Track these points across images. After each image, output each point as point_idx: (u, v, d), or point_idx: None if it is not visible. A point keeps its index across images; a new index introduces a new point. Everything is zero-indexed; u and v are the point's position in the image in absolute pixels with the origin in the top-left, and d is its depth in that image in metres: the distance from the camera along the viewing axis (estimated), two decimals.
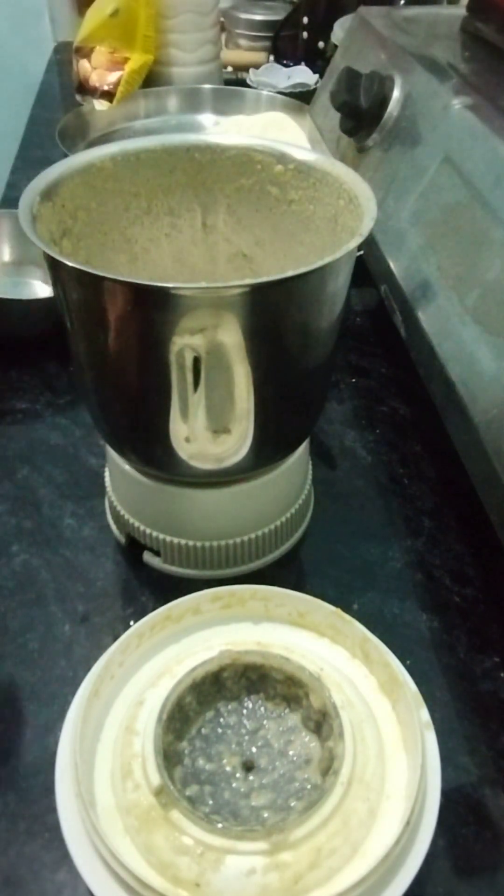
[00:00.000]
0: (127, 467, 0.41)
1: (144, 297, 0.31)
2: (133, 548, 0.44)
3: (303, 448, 0.43)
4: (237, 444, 0.37)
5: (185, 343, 0.32)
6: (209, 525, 0.42)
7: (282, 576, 0.45)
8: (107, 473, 0.46)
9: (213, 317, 0.31)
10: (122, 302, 0.32)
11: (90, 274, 0.31)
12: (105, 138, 0.91)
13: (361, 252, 0.58)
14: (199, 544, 0.42)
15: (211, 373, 0.33)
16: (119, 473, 0.42)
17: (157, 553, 0.43)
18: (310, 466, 0.47)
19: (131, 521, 0.43)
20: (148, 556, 0.44)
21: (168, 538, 0.42)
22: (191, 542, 0.42)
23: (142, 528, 0.43)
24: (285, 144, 0.40)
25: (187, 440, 0.36)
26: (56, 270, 0.34)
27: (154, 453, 0.39)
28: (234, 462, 0.38)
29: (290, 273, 0.30)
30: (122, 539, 0.45)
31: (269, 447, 0.39)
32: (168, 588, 0.43)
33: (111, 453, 0.42)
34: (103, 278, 0.31)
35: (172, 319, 0.31)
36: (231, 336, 0.32)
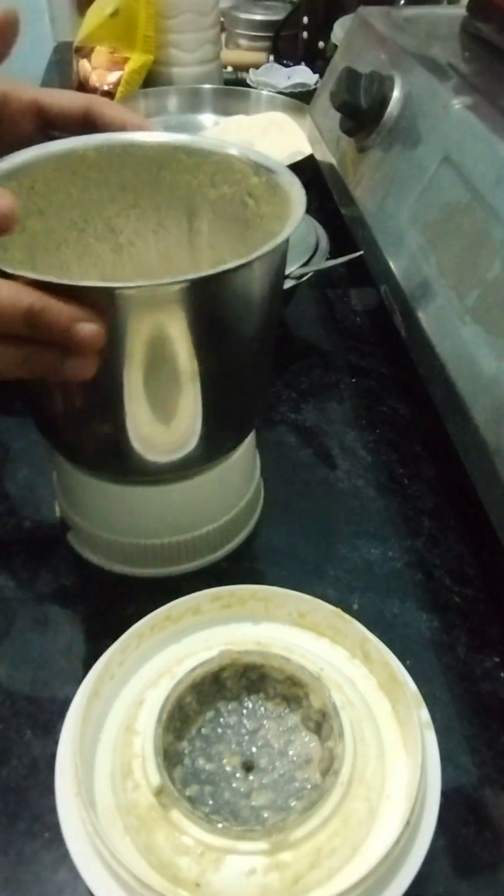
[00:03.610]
0: (80, 475, 0.41)
1: (90, 298, 0.30)
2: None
3: (249, 440, 0.44)
4: (187, 434, 0.37)
5: (133, 340, 0.32)
6: (163, 522, 0.42)
7: (279, 576, 0.45)
8: (55, 479, 0.45)
9: (158, 313, 0.31)
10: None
11: (36, 280, 0.29)
12: None
13: (361, 252, 0.58)
14: (155, 542, 0.42)
15: (159, 367, 0.34)
16: (69, 479, 0.42)
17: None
18: (257, 458, 0.47)
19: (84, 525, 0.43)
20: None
21: (123, 539, 0.42)
22: (147, 541, 0.42)
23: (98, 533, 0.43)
24: (261, 155, 0.39)
25: (139, 436, 0.36)
26: None
27: (107, 455, 0.39)
28: (186, 454, 0.38)
29: (224, 267, 0.31)
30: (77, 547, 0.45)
31: (218, 436, 0.39)
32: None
33: (61, 461, 0.42)
34: (46, 283, 0.29)
35: (118, 318, 0.31)
36: (175, 330, 0.32)
